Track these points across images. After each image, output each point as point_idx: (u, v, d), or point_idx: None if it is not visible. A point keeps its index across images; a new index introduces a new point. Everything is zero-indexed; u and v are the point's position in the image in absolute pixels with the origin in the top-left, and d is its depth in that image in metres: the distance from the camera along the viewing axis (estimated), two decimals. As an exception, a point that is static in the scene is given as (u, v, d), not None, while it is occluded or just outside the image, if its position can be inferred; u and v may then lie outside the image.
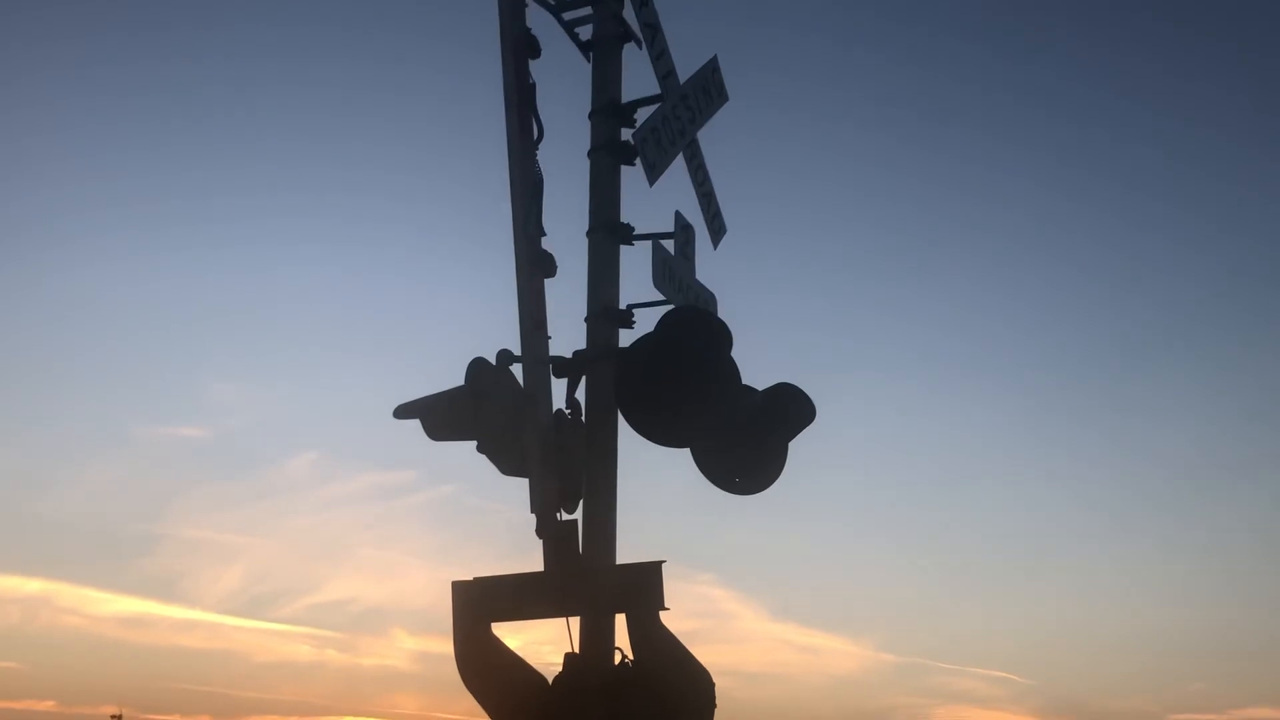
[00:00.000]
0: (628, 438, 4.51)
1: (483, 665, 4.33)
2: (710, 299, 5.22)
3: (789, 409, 4.58)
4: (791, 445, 4.60)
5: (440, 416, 4.54)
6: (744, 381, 4.56)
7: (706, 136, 5.32)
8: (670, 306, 4.68)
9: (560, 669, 4.28)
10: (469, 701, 4.32)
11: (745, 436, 4.56)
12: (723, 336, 4.49)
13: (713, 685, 4.12)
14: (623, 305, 4.69)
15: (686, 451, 4.57)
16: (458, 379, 4.48)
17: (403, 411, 4.59)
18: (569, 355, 4.61)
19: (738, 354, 4.51)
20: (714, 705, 4.11)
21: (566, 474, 4.35)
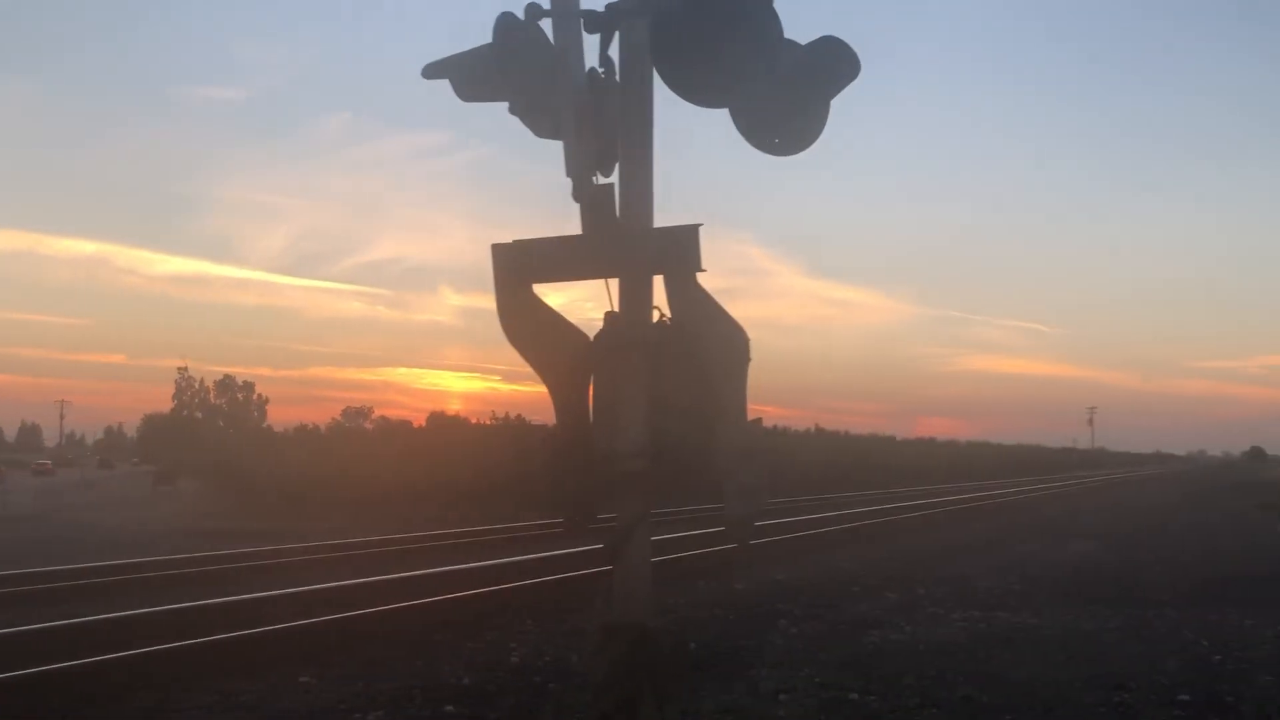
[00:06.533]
0: (664, 97, 4.38)
1: (525, 324, 4.47)
2: (751, -57, 4.88)
3: (832, 63, 4.38)
4: (833, 103, 4.45)
5: (469, 75, 4.42)
6: (786, 35, 4.34)
7: None
8: (708, -47, 4.38)
9: (601, 326, 4.42)
10: (514, 354, 4.50)
11: (786, 93, 4.40)
12: (764, -14, 4.23)
13: (747, 340, 4.24)
14: (658, -48, 4.40)
15: (725, 111, 4.45)
16: (487, 36, 4.32)
17: (431, 71, 4.47)
18: (601, 8, 4.39)
19: (780, 6, 4.28)
20: (748, 359, 4.24)
21: (602, 136, 4.26)
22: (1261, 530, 25.01)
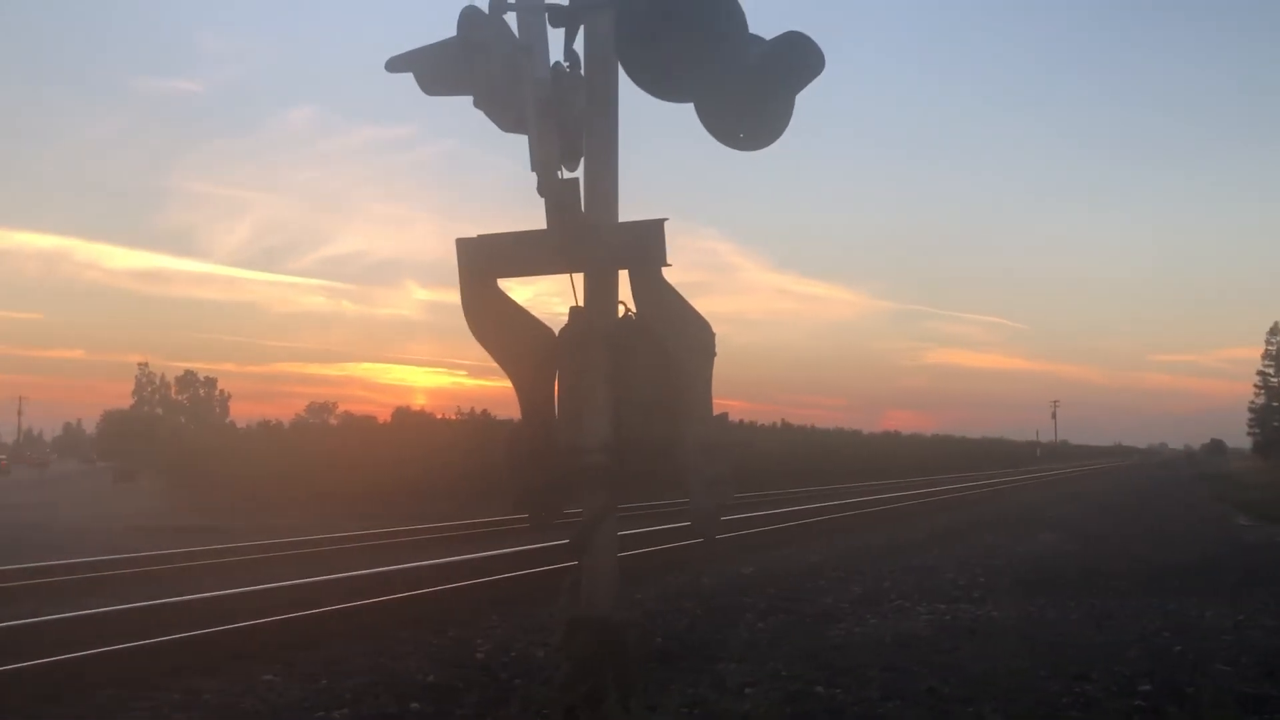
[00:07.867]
0: (629, 91, 4.38)
1: (490, 318, 4.46)
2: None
3: (797, 58, 4.39)
4: (798, 98, 4.46)
5: (434, 69, 4.40)
6: (751, 30, 4.35)
7: None
8: (673, -53, 4.38)
9: (566, 321, 4.41)
10: (480, 349, 4.49)
11: (751, 88, 4.41)
12: (729, -20, 4.24)
13: (713, 335, 4.26)
14: (622, -53, 4.39)
15: (690, 105, 4.45)
16: (452, 30, 4.30)
17: (396, 64, 4.45)
18: (566, 2, 4.38)
19: (745, 1, 4.29)
20: (713, 353, 4.26)
21: (566, 130, 4.25)
22: (1221, 522, 25.38)
